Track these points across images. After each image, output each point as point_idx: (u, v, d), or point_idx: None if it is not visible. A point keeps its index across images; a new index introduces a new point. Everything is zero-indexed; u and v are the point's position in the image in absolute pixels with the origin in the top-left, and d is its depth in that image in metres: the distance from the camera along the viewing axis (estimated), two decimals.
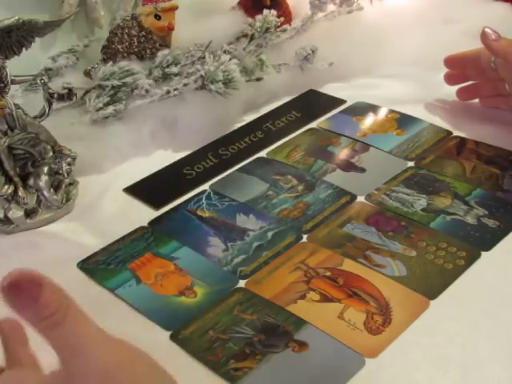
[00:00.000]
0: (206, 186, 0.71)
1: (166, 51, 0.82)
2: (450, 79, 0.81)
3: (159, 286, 0.58)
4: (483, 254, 0.59)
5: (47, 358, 0.36)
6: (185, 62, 0.82)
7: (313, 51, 0.86)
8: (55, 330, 0.33)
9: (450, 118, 0.79)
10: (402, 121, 0.79)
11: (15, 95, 0.74)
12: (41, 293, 0.32)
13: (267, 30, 0.87)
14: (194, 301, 0.56)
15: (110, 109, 0.76)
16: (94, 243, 0.64)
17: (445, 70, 0.81)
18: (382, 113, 0.82)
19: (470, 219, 0.63)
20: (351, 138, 0.77)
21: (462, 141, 0.75)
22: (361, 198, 0.67)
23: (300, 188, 0.69)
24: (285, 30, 0.89)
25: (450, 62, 0.80)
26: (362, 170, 0.72)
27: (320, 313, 0.54)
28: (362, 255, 0.59)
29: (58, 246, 0.64)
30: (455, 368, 0.49)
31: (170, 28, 0.83)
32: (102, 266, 0.61)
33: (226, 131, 0.80)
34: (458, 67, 0.80)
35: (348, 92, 0.86)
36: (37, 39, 0.66)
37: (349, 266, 0.58)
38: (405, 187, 0.68)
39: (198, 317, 0.55)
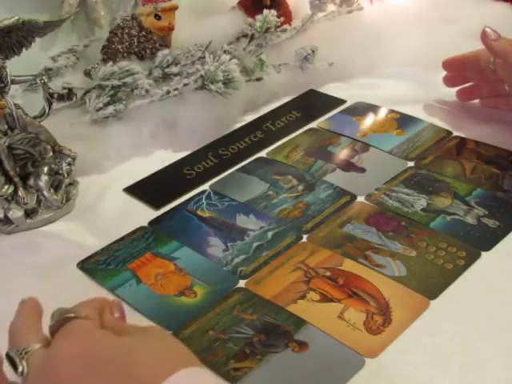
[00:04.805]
0: (206, 186, 0.71)
1: (166, 51, 0.82)
2: (449, 81, 0.81)
3: (159, 286, 0.58)
4: (483, 254, 0.59)
5: None
6: (185, 62, 0.82)
7: (313, 51, 0.85)
8: None
9: (449, 118, 0.79)
10: (402, 121, 0.79)
11: (15, 95, 0.74)
12: None
13: (267, 30, 0.87)
14: (193, 301, 0.56)
15: (110, 109, 0.76)
16: (94, 243, 0.64)
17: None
18: (382, 113, 0.82)
19: (470, 219, 0.63)
20: (351, 137, 0.77)
21: (462, 141, 0.74)
22: (361, 198, 0.67)
23: (300, 188, 0.69)
24: (285, 30, 0.89)
25: (449, 64, 0.80)
26: (362, 170, 0.71)
27: (320, 313, 0.54)
28: (362, 255, 0.59)
29: (57, 246, 0.64)
30: (455, 368, 0.49)
31: (170, 28, 0.83)
32: (101, 266, 0.61)
33: (226, 131, 0.80)
34: (457, 69, 0.80)
35: (348, 92, 0.86)
36: (37, 39, 0.66)
37: (349, 266, 0.58)
38: (405, 187, 0.68)
39: (198, 317, 0.54)
